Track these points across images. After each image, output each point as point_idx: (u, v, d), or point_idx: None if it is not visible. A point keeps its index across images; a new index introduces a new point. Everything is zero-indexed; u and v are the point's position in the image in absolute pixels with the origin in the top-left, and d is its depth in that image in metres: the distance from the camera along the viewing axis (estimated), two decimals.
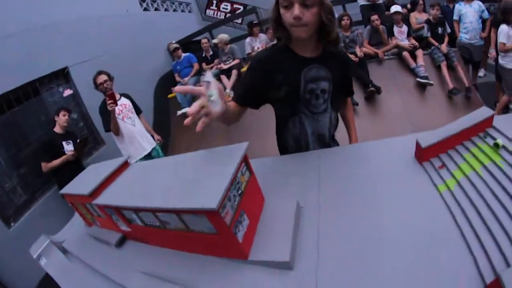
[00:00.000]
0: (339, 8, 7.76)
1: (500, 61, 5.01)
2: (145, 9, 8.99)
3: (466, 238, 0.96)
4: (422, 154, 1.32)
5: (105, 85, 4.16)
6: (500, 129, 1.30)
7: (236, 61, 6.42)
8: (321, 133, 1.76)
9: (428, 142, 1.29)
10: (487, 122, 1.37)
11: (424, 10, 6.60)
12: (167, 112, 7.45)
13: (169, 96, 7.30)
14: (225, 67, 6.39)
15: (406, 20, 6.26)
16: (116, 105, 3.96)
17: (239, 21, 11.87)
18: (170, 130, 7.08)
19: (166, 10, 10.17)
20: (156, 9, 9.61)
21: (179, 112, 6.40)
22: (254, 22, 6.87)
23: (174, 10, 10.72)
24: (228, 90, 5.94)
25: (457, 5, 6.24)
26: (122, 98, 4.48)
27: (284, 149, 1.81)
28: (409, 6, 7.18)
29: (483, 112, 1.37)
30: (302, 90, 1.61)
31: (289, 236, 0.99)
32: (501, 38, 4.85)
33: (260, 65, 1.60)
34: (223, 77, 6.28)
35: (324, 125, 1.76)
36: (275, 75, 1.56)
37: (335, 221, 1.11)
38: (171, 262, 1.05)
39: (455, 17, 6.20)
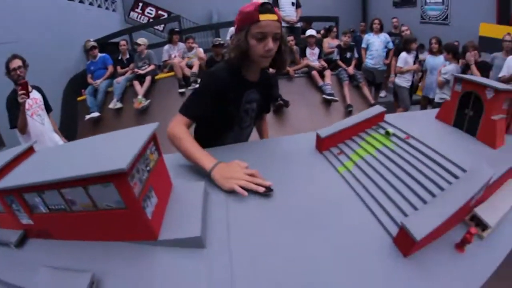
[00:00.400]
0: None
1: (396, 80, 6.68)
2: None
3: (368, 204, 1.25)
4: (322, 144, 1.67)
5: (18, 71, 3.81)
6: (391, 122, 1.74)
7: (152, 67, 6.80)
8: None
9: (327, 133, 1.64)
10: (380, 117, 1.82)
11: (337, 37, 7.91)
12: (75, 115, 7.32)
13: (79, 98, 7.23)
14: (141, 72, 6.66)
15: (319, 43, 7.47)
16: (28, 97, 3.69)
17: (160, 28, 12.26)
18: (77, 135, 6.90)
19: (90, 4, 10.05)
20: (80, 1, 9.48)
21: (88, 117, 6.45)
22: (176, 29, 7.42)
23: (99, 6, 10.68)
24: (140, 97, 6.32)
25: (366, 35, 7.73)
26: (34, 91, 4.13)
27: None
28: (322, 31, 8.21)
29: (376, 109, 1.82)
30: (241, 109, 1.89)
31: (199, 214, 1.07)
32: (399, 63, 6.50)
33: (216, 84, 1.73)
34: (136, 83, 6.58)
35: (244, 137, 2.12)
36: (226, 94, 1.74)
37: (244, 201, 1.28)
38: (79, 253, 1.00)
39: (363, 45, 7.64)
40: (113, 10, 11.69)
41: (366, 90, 6.87)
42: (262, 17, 1.55)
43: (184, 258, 0.96)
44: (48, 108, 4.35)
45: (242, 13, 1.62)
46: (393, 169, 1.42)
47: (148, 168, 1.03)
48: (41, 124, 4.07)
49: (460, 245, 1.12)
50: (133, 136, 1.03)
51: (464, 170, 1.32)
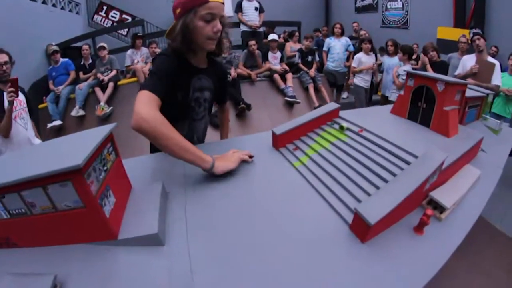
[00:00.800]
0: None
1: (354, 80, 6.89)
2: None
3: (323, 195, 1.30)
4: (278, 141, 1.73)
5: (4, 67, 3.43)
6: (346, 118, 1.81)
7: (114, 72, 6.62)
8: (197, 137, 2.06)
9: (282, 130, 1.70)
10: (334, 113, 1.90)
11: (299, 41, 7.94)
12: (37, 124, 6.48)
13: (41, 106, 6.87)
14: (105, 79, 6.40)
15: (281, 47, 7.58)
16: (18, 96, 3.33)
17: (124, 32, 11.99)
18: None
19: (54, 5, 9.65)
20: (43, 2, 9.10)
21: (50, 125, 6.24)
22: (139, 34, 7.26)
23: (62, 8, 10.23)
24: (102, 104, 6.12)
25: (327, 39, 7.86)
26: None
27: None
28: (282, 35, 8.33)
29: (331, 105, 1.89)
30: (190, 98, 1.84)
31: (156, 212, 1.09)
32: (353, 63, 6.74)
33: (167, 64, 1.66)
34: (98, 90, 6.36)
35: (200, 131, 2.08)
36: (175, 77, 1.67)
37: (202, 197, 1.32)
38: (42, 259, 0.99)
39: (325, 48, 7.77)
40: (77, 13, 11.29)
41: (324, 92, 7.01)
42: None
43: (144, 256, 0.98)
44: (31, 112, 3.91)
45: None
46: (347, 160, 1.48)
47: (105, 168, 1.06)
48: (24, 128, 3.63)
49: (418, 228, 1.16)
50: (90, 136, 1.04)
51: (415, 156, 1.36)
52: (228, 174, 1.45)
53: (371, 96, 7.29)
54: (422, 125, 1.93)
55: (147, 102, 1.42)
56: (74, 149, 0.96)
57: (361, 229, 1.08)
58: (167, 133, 1.34)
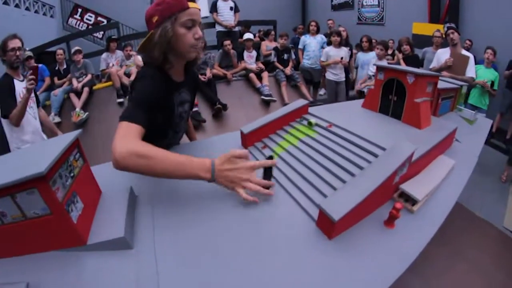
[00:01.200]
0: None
1: (326, 74, 6.93)
2: (4, 3, 8.32)
3: (290, 193, 1.30)
4: (246, 140, 1.71)
5: (18, 53, 3.30)
6: (315, 114, 1.79)
7: (89, 77, 6.37)
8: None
9: (250, 129, 1.68)
10: (303, 110, 1.88)
11: (275, 40, 7.94)
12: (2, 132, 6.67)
13: None
14: (79, 86, 6.07)
15: (257, 46, 7.49)
16: (37, 84, 3.28)
17: (99, 35, 11.75)
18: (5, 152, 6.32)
19: (27, 9, 9.40)
20: (16, 6, 8.89)
21: None
22: (113, 37, 7.13)
23: (36, 12, 9.95)
24: (78, 109, 5.90)
25: (303, 37, 7.78)
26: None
27: None
28: (257, 35, 8.37)
29: (300, 102, 1.87)
30: (176, 115, 1.75)
31: (123, 215, 1.10)
32: (322, 57, 6.75)
33: (154, 85, 1.52)
34: (73, 95, 6.08)
35: (177, 141, 2.02)
36: (162, 101, 1.59)
37: (169, 200, 1.31)
38: (11, 268, 0.97)
39: (300, 46, 7.69)
40: (51, 16, 10.97)
41: (304, 89, 7.01)
42: (191, 4, 1.48)
43: (113, 260, 1.00)
44: (38, 102, 3.79)
45: (166, 2, 1.46)
46: (315, 156, 1.46)
47: (72, 174, 1.06)
48: (34, 118, 3.50)
49: (388, 222, 1.15)
50: (55, 144, 1.04)
51: (384, 149, 1.34)
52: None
53: (348, 91, 7.25)
54: (393, 118, 1.93)
55: (123, 136, 1.26)
56: (39, 157, 0.96)
57: (327, 225, 1.06)
58: (149, 164, 1.19)
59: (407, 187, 1.31)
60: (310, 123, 1.69)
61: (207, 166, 1.24)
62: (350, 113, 1.86)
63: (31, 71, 3.09)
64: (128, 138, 1.26)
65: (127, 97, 5.79)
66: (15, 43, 3.28)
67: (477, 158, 1.83)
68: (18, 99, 3.28)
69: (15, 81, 3.32)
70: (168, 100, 1.65)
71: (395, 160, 1.22)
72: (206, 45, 6.60)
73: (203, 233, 1.11)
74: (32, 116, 3.46)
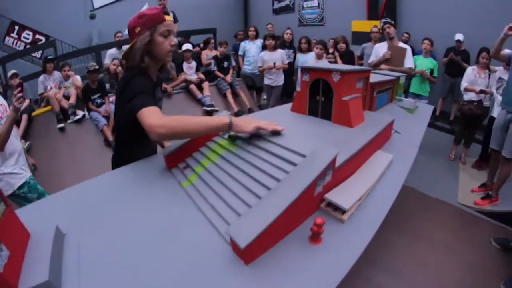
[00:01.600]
0: None
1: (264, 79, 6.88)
2: None
3: (208, 217, 1.22)
4: (169, 162, 1.66)
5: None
6: None
7: (26, 102, 5.71)
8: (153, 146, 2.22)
9: (169, 150, 1.63)
10: None
11: (215, 48, 7.70)
12: None
13: None
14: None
15: (196, 57, 7.34)
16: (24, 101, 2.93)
17: (38, 54, 10.75)
18: None
19: None
20: None
21: None
22: (49, 57, 6.64)
23: None
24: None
25: (242, 43, 7.71)
26: None
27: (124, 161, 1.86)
28: (202, 45, 8.11)
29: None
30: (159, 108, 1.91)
31: (47, 258, 1.04)
32: (258, 62, 6.68)
33: (145, 79, 1.81)
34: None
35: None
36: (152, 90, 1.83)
37: (95, 235, 1.23)
38: None
39: (240, 53, 7.64)
40: None
41: (243, 96, 7.02)
42: (167, 17, 1.79)
43: None
44: None
45: (147, 15, 1.76)
46: (233, 172, 1.38)
47: None
48: (14, 137, 3.04)
49: (313, 238, 1.07)
50: None
51: (304, 156, 1.23)
52: (120, 204, 1.39)
53: (293, 93, 7.20)
54: (324, 119, 1.85)
55: (151, 115, 1.53)
56: None
57: (239, 251, 0.99)
58: (182, 124, 1.48)
59: (333, 196, 1.22)
60: (230, 137, 1.60)
61: (226, 117, 1.52)
62: (277, 119, 1.76)
63: (20, 88, 2.79)
64: (156, 114, 1.54)
65: (68, 121, 5.66)
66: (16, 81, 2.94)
67: (417, 148, 1.82)
68: None
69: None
70: (154, 95, 1.86)
71: (314, 169, 1.12)
72: None
73: (127, 265, 1.05)
74: (13, 136, 2.99)
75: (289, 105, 2.14)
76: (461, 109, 5.64)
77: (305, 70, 1.87)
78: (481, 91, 5.20)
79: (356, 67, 1.86)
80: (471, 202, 4.48)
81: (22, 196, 3.02)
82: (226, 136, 1.64)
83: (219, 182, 1.36)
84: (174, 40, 1.84)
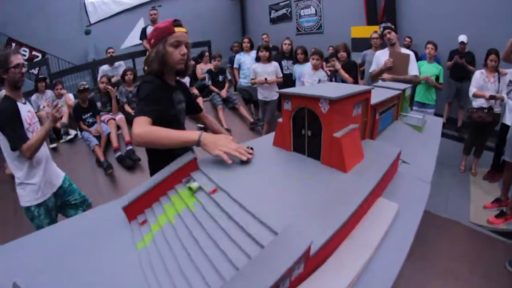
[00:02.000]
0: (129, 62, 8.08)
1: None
2: None
3: None
4: (128, 214, 1.33)
5: (23, 70, 2.79)
6: (204, 170, 1.41)
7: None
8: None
9: (127, 201, 1.31)
10: (191, 166, 1.47)
11: (210, 61, 7.29)
12: None
13: None
14: None
15: (191, 72, 6.65)
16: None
17: (35, 71, 10.36)
18: None
19: None
20: None
21: None
22: (41, 76, 6.46)
23: None
24: None
25: (237, 55, 7.38)
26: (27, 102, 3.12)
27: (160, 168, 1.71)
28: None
29: (186, 158, 1.47)
30: (177, 109, 2.18)
31: None
32: (251, 75, 6.26)
33: (153, 85, 1.97)
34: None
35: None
36: (162, 95, 2.00)
37: None
38: None
39: (235, 65, 7.30)
40: None
41: (243, 110, 6.76)
42: (177, 29, 1.97)
43: None
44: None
45: (159, 28, 1.99)
46: (187, 243, 1.05)
47: None
48: (44, 146, 2.95)
49: None
50: None
51: (275, 233, 0.90)
52: (74, 262, 1.14)
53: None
54: (311, 158, 1.47)
55: (137, 124, 1.71)
56: None
57: None
58: (156, 136, 1.66)
59: (311, 285, 0.86)
60: (190, 189, 1.28)
61: (196, 133, 1.61)
62: (255, 156, 1.42)
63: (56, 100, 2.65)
64: (140, 124, 1.71)
65: (61, 140, 5.52)
66: (19, 59, 2.74)
67: (429, 185, 1.55)
68: (25, 125, 2.78)
69: (19, 104, 2.78)
70: (168, 97, 2.10)
71: (281, 262, 0.76)
72: (137, 77, 6.13)
73: None
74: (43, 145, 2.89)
75: (272, 136, 1.74)
76: (471, 117, 5.28)
77: (286, 96, 1.50)
78: (491, 97, 4.85)
79: (353, 88, 1.47)
80: (484, 221, 4.14)
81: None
82: (186, 186, 1.32)
83: (170, 252, 1.05)
84: (184, 50, 2.01)
